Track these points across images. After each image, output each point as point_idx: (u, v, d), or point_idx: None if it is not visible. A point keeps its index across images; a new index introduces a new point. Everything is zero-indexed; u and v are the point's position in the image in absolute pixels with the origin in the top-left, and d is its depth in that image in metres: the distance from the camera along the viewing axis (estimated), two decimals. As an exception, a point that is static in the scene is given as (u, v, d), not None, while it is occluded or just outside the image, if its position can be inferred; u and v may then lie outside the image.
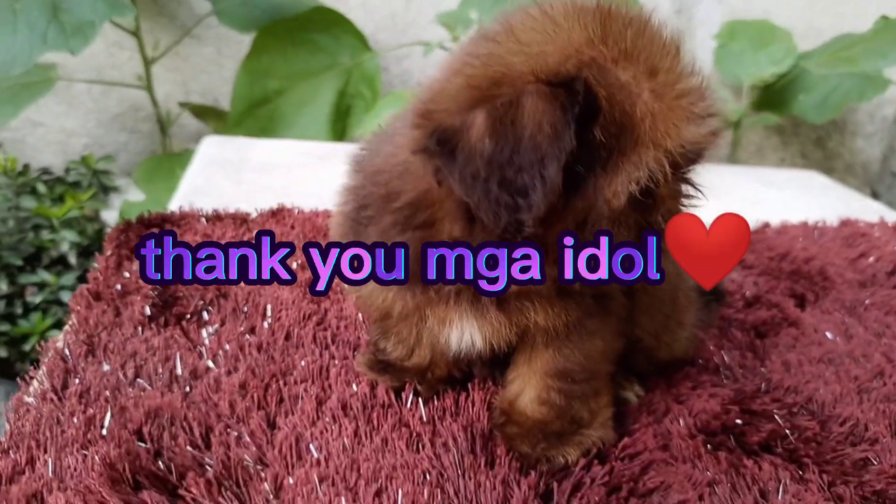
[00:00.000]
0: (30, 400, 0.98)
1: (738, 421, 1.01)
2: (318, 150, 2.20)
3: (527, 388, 0.96)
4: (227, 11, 2.76)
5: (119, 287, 1.21)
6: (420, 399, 1.02)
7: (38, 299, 2.31)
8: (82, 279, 1.97)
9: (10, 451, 0.88)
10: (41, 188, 2.75)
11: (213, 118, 3.03)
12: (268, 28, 2.69)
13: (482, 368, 1.07)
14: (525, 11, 0.74)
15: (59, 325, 2.23)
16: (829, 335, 1.29)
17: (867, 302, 1.40)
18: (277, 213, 1.53)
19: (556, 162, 0.65)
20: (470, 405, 1.02)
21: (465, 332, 0.90)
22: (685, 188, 0.82)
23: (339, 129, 2.85)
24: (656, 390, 1.10)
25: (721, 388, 1.11)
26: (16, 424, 0.93)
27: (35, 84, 2.53)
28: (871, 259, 1.57)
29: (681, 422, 1.02)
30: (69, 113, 3.02)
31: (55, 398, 0.98)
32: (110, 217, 2.81)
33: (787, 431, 0.99)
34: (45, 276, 2.34)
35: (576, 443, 0.94)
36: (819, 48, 2.85)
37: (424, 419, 0.99)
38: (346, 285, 0.98)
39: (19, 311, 2.35)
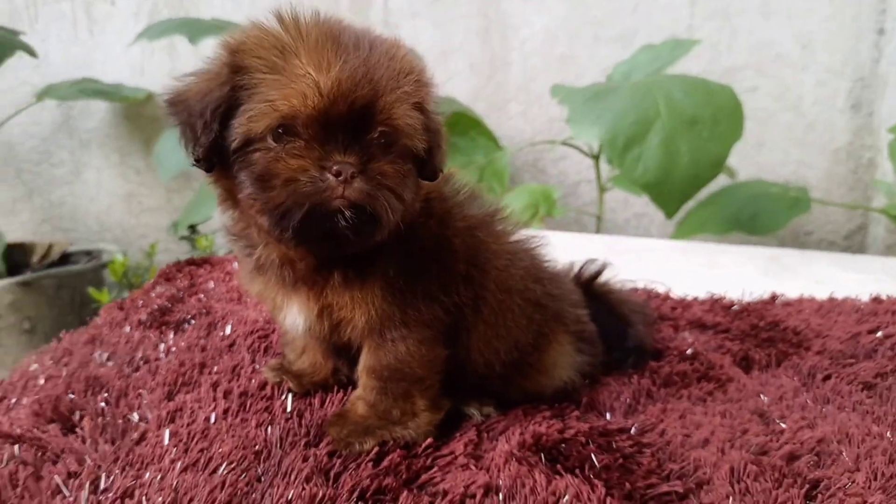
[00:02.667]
0: (34, 365, 1.34)
1: (562, 445, 1.03)
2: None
3: (358, 387, 1.10)
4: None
5: (140, 302, 1.57)
6: (292, 395, 1.20)
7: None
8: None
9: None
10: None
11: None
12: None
13: (347, 368, 1.21)
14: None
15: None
16: (764, 398, 1.21)
17: (829, 371, 1.28)
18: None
19: (212, 105, 0.93)
20: (331, 404, 1.17)
21: (293, 315, 1.07)
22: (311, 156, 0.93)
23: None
24: (514, 414, 1.15)
25: (582, 422, 1.12)
26: (11, 378, 1.29)
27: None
28: (879, 334, 1.41)
29: (510, 440, 1.07)
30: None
31: (48, 364, 1.33)
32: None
33: (595, 456, 0.99)
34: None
35: (377, 435, 1.05)
36: None
37: (288, 410, 1.16)
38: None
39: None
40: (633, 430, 1.08)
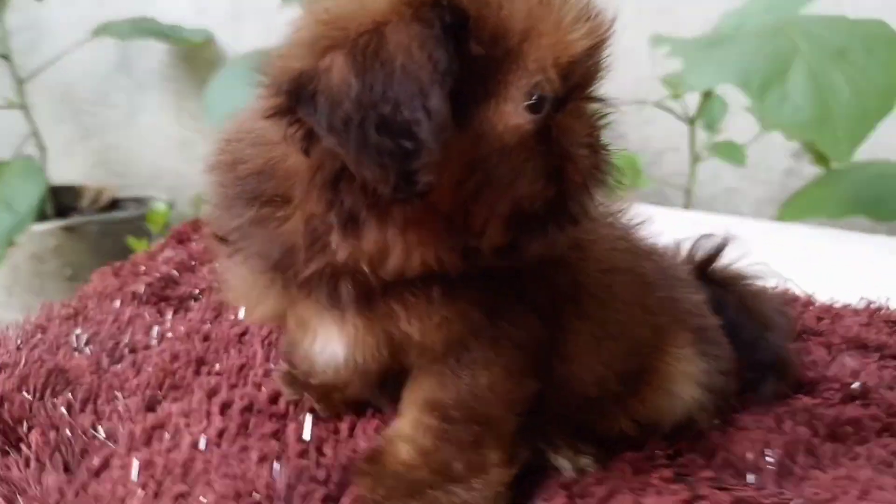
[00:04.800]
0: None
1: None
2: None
3: (405, 426, 0.77)
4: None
5: (143, 268, 1.28)
6: (312, 417, 0.88)
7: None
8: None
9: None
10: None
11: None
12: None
13: (385, 399, 0.88)
14: None
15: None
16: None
17: None
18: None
19: (438, 87, 0.52)
20: (361, 433, 0.85)
21: (327, 342, 0.73)
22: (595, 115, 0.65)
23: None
24: (618, 468, 0.81)
25: (724, 491, 0.77)
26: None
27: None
28: None
29: (615, 517, 0.73)
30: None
31: (11, 348, 1.04)
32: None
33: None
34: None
35: (428, 498, 0.71)
36: None
37: (304, 439, 0.85)
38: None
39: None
40: (800, 514, 0.73)
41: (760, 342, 0.96)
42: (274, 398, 0.92)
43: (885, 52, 1.92)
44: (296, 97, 0.55)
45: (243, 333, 1.08)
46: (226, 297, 0.83)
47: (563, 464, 0.80)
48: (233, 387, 0.94)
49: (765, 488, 0.78)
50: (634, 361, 0.80)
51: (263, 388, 0.93)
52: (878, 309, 1.25)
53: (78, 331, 1.08)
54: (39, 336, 1.06)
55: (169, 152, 3.58)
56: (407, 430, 0.75)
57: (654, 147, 2.98)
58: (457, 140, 0.54)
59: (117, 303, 1.16)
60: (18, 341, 1.05)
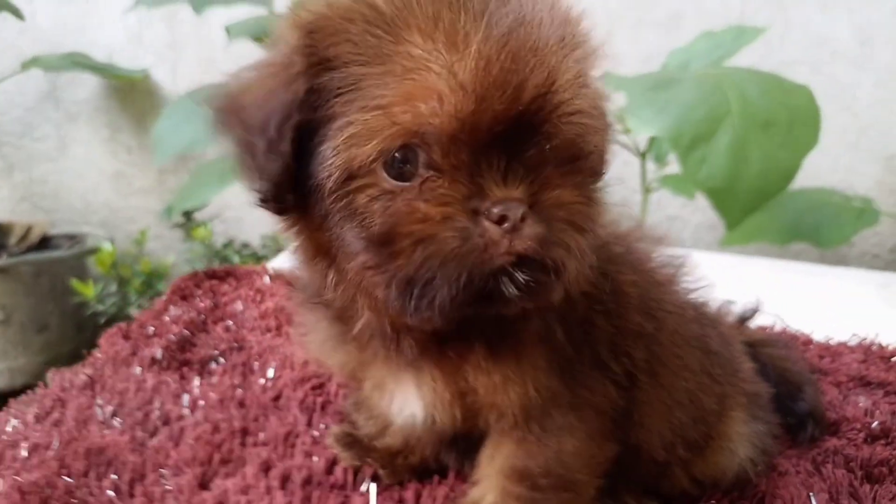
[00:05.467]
0: (14, 421, 1.00)
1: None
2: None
3: (487, 494, 0.77)
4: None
5: (152, 329, 1.23)
6: (376, 486, 0.87)
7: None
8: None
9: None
10: (235, 259, 3.00)
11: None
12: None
13: (454, 458, 0.88)
14: None
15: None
16: None
17: None
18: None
19: (278, 115, 0.59)
20: (430, 502, 0.85)
21: (404, 402, 0.74)
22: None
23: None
24: (687, 526, 0.84)
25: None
26: (-21, 441, 0.94)
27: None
28: None
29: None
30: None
31: (32, 423, 0.98)
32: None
33: None
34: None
35: (523, 567, 0.72)
36: None
37: (371, 509, 0.83)
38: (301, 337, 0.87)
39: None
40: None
41: (799, 395, 1.01)
42: (330, 467, 0.90)
43: (803, 130, 2.06)
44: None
45: (277, 398, 1.06)
46: (304, 348, 0.82)
47: (635, 524, 0.82)
48: (283, 457, 0.91)
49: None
50: (700, 428, 0.83)
51: (315, 457, 0.92)
52: (871, 345, 1.34)
53: (99, 401, 1.03)
54: (60, 411, 1.01)
55: (102, 186, 3.44)
56: (492, 500, 0.76)
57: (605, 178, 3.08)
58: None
59: (136, 369, 1.11)
60: (36, 419, 0.99)
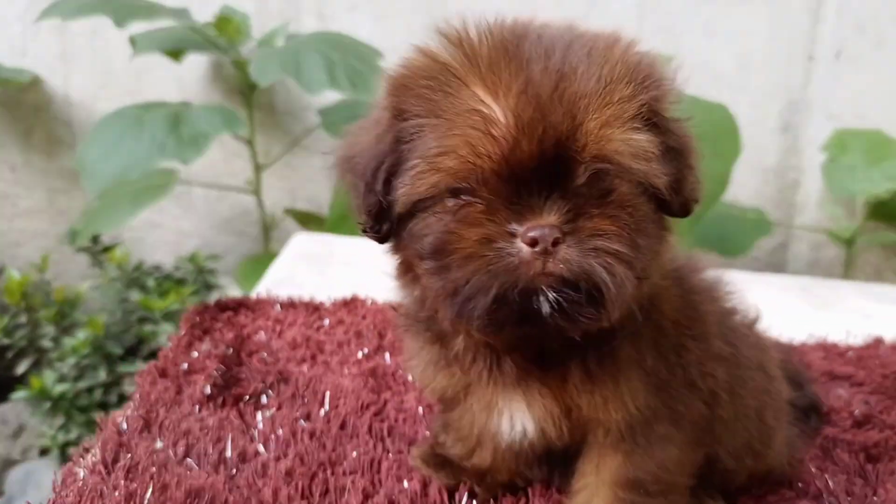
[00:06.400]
0: (79, 471, 0.97)
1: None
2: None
3: (594, 501, 0.86)
4: (335, 124, 2.89)
5: (186, 366, 1.22)
6: (475, 502, 0.94)
7: (133, 389, 2.38)
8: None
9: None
10: (150, 283, 2.89)
11: (316, 224, 3.15)
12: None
13: (542, 471, 0.97)
14: None
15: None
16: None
17: None
18: (350, 303, 1.53)
19: (373, 163, 0.74)
20: (530, 513, 0.93)
21: (515, 419, 0.83)
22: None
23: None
24: (745, 511, 0.96)
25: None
26: (60, 495, 0.92)
27: (156, 188, 2.71)
28: None
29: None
30: (185, 216, 3.20)
31: (104, 471, 0.97)
32: (208, 313, 2.90)
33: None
34: (141, 366, 2.41)
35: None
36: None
37: (478, 526, 0.90)
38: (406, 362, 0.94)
39: (114, 399, 2.42)
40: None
41: (801, 392, 1.18)
42: (424, 489, 0.95)
43: (727, 140, 2.31)
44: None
45: (342, 426, 1.09)
46: (411, 373, 0.89)
47: (710, 515, 0.94)
48: (377, 483, 0.96)
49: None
50: (763, 440, 0.96)
51: (405, 480, 0.97)
52: (826, 343, 1.55)
53: (159, 444, 1.03)
54: (125, 454, 0.99)
55: (-18, 209, 3.22)
56: None
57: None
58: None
59: (189, 406, 1.11)
60: (108, 468, 0.97)
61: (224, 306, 1.45)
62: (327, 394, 1.17)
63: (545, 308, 0.66)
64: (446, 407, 0.96)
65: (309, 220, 3.15)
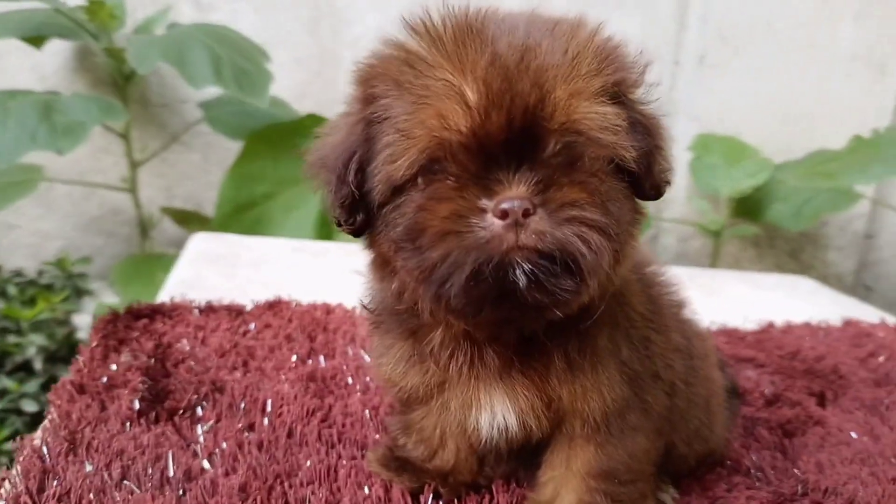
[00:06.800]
0: (1, 504, 0.87)
1: (784, 525, 0.93)
2: (310, 247, 2.16)
3: (563, 492, 0.88)
4: (220, 119, 2.77)
5: (105, 379, 1.12)
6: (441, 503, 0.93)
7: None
8: (46, 387, 1.82)
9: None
10: (12, 290, 2.63)
11: (196, 223, 2.98)
12: (259, 135, 2.70)
13: (505, 467, 0.98)
14: None
15: (15, 436, 2.05)
16: (853, 434, 1.23)
17: (886, 401, 1.35)
18: (274, 306, 1.46)
19: (344, 154, 0.75)
20: (497, 509, 0.93)
21: (496, 413, 0.83)
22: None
23: (326, 232, 2.83)
24: (691, 493, 1.02)
25: (756, 490, 1.03)
26: (-17, 533, 0.81)
27: (18, 184, 2.47)
28: (882, 358, 1.54)
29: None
30: (46, 216, 2.93)
31: (29, 502, 0.86)
32: (82, 321, 2.69)
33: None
34: (6, 382, 2.18)
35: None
36: (793, 162, 2.94)
37: (447, 527, 0.89)
38: (369, 355, 0.91)
39: (-20, 422, 2.17)
40: (817, 495, 1.02)
41: (723, 375, 1.26)
42: (386, 493, 0.93)
43: None
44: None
45: (289, 434, 1.05)
46: (379, 373, 0.87)
47: (667, 498, 0.99)
48: (338, 492, 0.93)
49: (784, 483, 1.06)
50: (709, 425, 1.02)
51: (368, 489, 0.94)
52: (724, 327, 1.67)
53: (89, 467, 0.93)
54: (56, 481, 0.89)
55: None
56: (577, 497, 0.87)
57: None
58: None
59: (119, 423, 1.01)
60: (27, 489, 0.87)
61: (137, 313, 1.34)
62: (268, 402, 1.11)
63: (521, 281, 0.66)
64: (407, 408, 0.95)
65: (188, 219, 2.99)
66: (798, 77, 3.20)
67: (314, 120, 2.79)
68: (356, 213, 0.76)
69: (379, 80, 0.73)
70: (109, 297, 2.82)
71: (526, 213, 0.65)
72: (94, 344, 1.22)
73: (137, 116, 2.86)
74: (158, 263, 2.72)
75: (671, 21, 3.20)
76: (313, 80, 3.00)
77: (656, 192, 0.78)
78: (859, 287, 3.50)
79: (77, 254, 2.94)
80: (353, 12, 2.96)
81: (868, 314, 1.96)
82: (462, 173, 0.68)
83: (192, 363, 1.20)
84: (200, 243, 2.03)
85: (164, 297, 1.57)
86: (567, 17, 0.77)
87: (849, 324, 1.77)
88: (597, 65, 0.71)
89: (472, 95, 0.66)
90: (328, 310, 1.47)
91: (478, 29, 0.70)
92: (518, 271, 0.66)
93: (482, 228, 0.66)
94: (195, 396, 1.11)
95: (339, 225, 0.77)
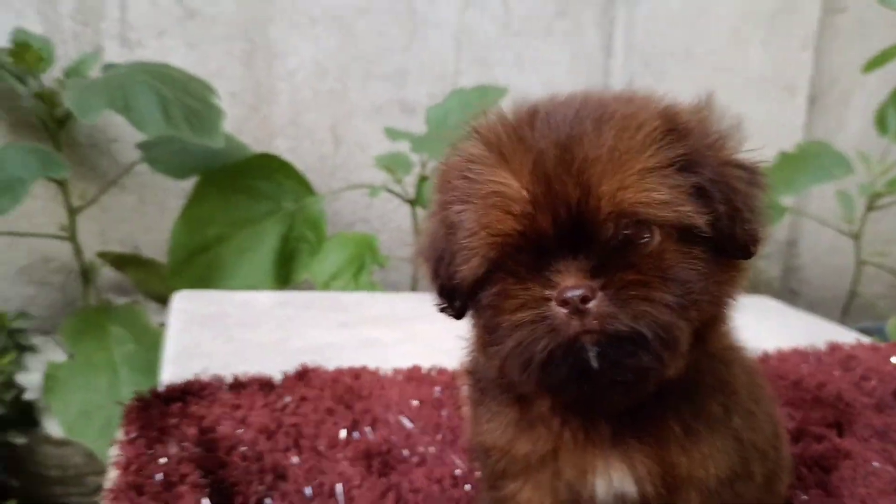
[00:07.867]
0: None
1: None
2: (294, 300, 2.11)
3: None
4: (161, 159, 2.65)
5: (160, 476, 1.05)
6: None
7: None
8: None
9: None
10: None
11: (134, 268, 2.85)
12: (209, 176, 2.60)
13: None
14: None
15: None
16: (876, 464, 1.31)
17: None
18: (304, 376, 1.42)
19: (434, 252, 0.82)
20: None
21: (613, 480, 0.84)
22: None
23: (283, 274, 2.77)
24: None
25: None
26: None
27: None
28: (874, 382, 1.65)
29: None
30: (-33, 267, 2.74)
31: None
32: (27, 380, 2.52)
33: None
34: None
35: None
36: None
37: None
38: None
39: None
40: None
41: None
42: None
43: None
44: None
45: None
46: (483, 440, 0.89)
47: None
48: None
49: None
50: (784, 481, 1.06)
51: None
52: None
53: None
54: None
55: None
56: None
57: (382, 226, 3.25)
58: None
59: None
60: None
61: (167, 397, 1.27)
62: (337, 487, 1.08)
63: (594, 362, 0.69)
64: (502, 481, 0.94)
65: (127, 264, 2.86)
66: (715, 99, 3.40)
67: (265, 159, 2.74)
68: (454, 301, 0.82)
69: (448, 188, 0.80)
70: (56, 354, 2.65)
71: (585, 299, 0.69)
72: (134, 436, 1.15)
73: (69, 159, 2.71)
74: (108, 315, 2.59)
75: (598, 50, 3.35)
76: (250, 114, 2.96)
77: (744, 251, 0.78)
78: (785, 291, 3.71)
79: (6, 305, 2.75)
80: (288, 45, 2.95)
81: (841, 334, 2.09)
82: (521, 269, 0.73)
83: (244, 448, 1.15)
84: (184, 303, 1.95)
85: (168, 369, 1.50)
86: (624, 94, 0.80)
87: (834, 348, 1.88)
88: (652, 143, 0.73)
89: (516, 203, 0.72)
90: (355, 374, 1.45)
91: (526, 130, 0.74)
92: (590, 353, 0.70)
93: (548, 317, 0.71)
94: (261, 486, 1.07)
95: (441, 309, 0.84)
